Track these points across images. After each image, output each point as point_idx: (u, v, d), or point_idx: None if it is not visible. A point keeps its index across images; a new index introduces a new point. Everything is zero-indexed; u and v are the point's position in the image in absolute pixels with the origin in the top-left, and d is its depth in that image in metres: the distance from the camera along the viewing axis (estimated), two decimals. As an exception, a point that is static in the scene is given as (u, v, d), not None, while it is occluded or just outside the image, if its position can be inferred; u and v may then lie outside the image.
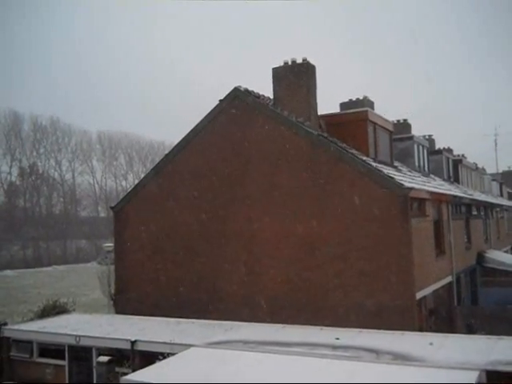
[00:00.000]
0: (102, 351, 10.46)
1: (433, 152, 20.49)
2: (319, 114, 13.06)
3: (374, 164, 11.86)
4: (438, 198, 13.99)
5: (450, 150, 24.49)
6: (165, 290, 13.60)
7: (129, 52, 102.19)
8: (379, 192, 10.85)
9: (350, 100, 16.48)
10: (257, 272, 12.27)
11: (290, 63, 12.84)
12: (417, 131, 20.23)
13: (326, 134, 12.50)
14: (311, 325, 9.69)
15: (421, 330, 10.75)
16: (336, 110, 15.94)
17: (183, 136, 13.68)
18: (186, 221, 13.48)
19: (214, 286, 12.85)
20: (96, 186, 71.29)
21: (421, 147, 17.63)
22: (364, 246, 10.95)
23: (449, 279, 14.45)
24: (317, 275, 11.47)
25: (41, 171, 65.25)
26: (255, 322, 10.77)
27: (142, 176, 18.38)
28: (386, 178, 10.91)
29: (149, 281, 14.01)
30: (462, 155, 24.78)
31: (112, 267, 16.41)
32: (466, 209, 18.12)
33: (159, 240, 13.93)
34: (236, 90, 12.89)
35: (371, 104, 16.09)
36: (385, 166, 12.85)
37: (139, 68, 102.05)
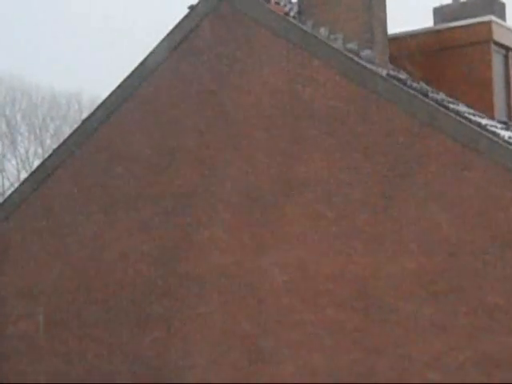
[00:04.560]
0: None
1: None
2: (389, 33, 13.45)
3: (503, 134, 12.17)
4: None
5: None
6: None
7: None
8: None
9: (455, 0, 16.59)
10: (267, 356, 12.84)
11: None
12: None
13: (404, 75, 12.94)
14: None
15: None
16: (425, 24, 16.27)
17: (118, 83, 14.42)
18: (124, 253, 14.27)
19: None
20: None
21: None
22: (482, 299, 11.29)
23: None
24: (390, 363, 11.89)
25: None
26: None
27: (37, 163, 19.07)
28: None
29: (46, 379, 14.64)
30: None
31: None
32: None
33: (69, 293, 14.60)
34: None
35: (500, 7, 16.31)
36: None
37: None
